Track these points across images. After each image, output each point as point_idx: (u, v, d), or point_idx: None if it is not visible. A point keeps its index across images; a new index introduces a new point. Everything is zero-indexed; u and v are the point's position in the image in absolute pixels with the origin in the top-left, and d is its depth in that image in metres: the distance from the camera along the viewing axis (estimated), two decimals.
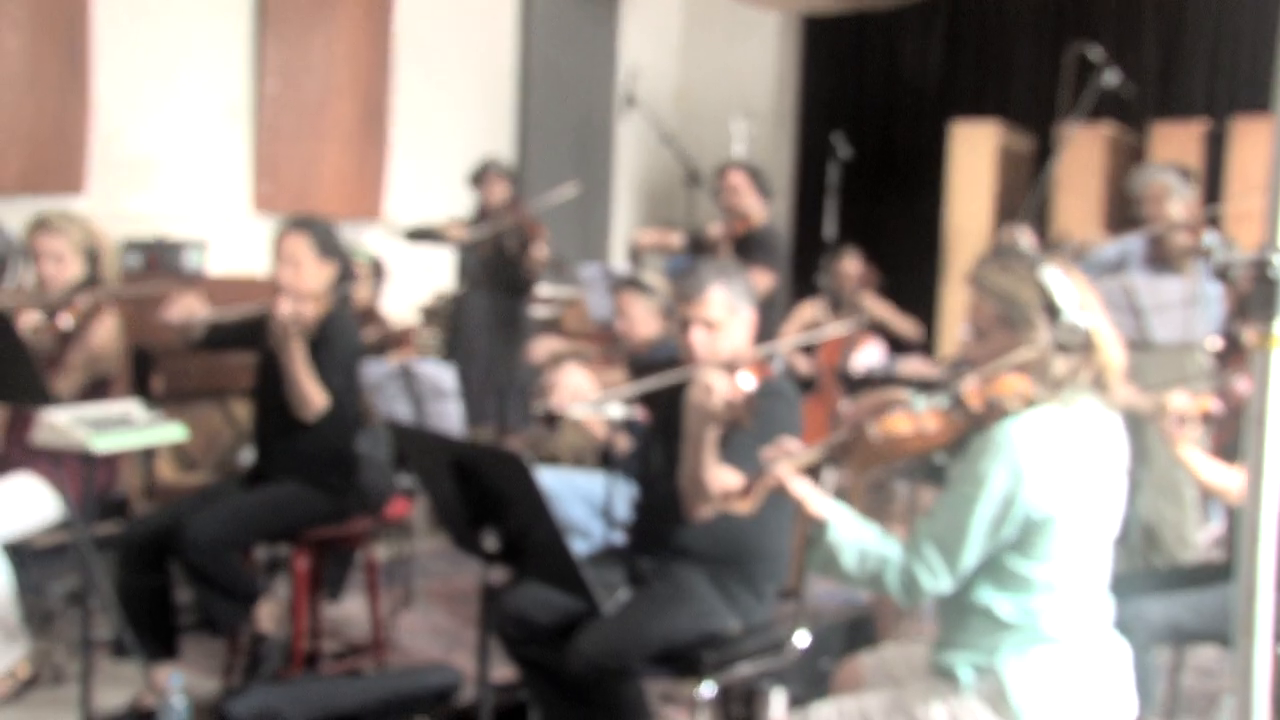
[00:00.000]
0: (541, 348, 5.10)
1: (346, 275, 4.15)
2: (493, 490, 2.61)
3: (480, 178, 6.10)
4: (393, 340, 5.53)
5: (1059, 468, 2.35)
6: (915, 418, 2.36)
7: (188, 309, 3.99)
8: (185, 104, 6.72)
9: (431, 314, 7.33)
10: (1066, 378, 2.39)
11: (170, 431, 3.65)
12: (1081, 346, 2.40)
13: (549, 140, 9.24)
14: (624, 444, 4.53)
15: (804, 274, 7.76)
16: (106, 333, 4.16)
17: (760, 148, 9.93)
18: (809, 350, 6.80)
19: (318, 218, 4.17)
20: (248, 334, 4.22)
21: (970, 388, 2.38)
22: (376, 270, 5.50)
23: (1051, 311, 2.39)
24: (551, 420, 6.26)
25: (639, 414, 3.89)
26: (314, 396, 3.89)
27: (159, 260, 6.03)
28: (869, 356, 6.45)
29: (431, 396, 4.50)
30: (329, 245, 4.04)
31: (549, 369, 5.08)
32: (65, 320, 4.06)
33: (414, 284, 7.16)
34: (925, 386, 3.54)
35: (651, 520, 3.37)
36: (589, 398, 3.28)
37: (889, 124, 10.04)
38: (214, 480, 5.45)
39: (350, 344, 4.07)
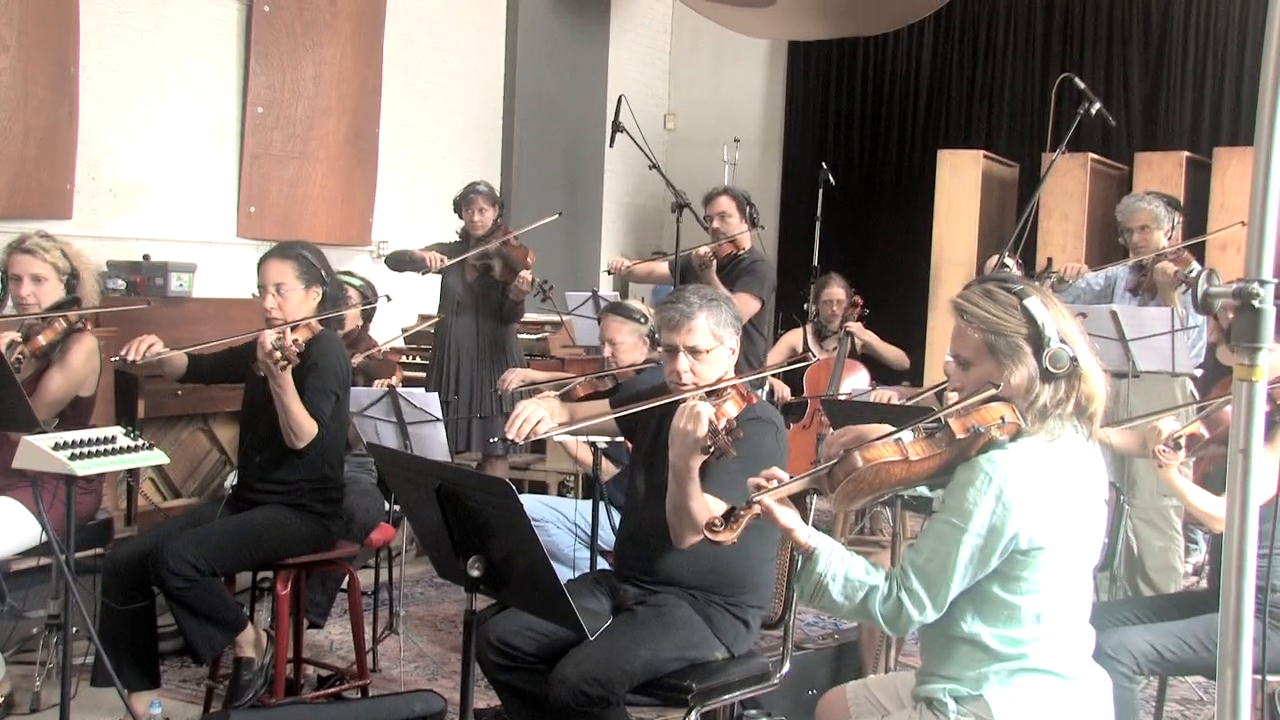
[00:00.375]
0: (514, 377, 5.12)
1: (333, 300, 4.13)
2: (477, 516, 2.60)
3: (465, 202, 6.10)
4: (379, 365, 5.51)
5: (1045, 499, 2.34)
6: (901, 447, 2.36)
7: (144, 348, 3.95)
8: (172, 128, 6.71)
9: (415, 337, 7.32)
10: (1051, 407, 2.39)
11: (152, 456, 3.63)
12: (1066, 376, 2.40)
13: (537, 165, 9.26)
14: (610, 470, 4.52)
15: (790, 300, 7.77)
16: (85, 353, 4.14)
17: (748, 173, 9.96)
18: (795, 378, 6.80)
19: (303, 243, 4.14)
20: (232, 365, 4.19)
21: (955, 417, 2.38)
22: (365, 296, 5.49)
23: (1037, 341, 2.39)
24: (538, 444, 6.25)
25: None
26: (305, 425, 3.86)
27: (145, 283, 6.01)
28: (855, 385, 6.45)
29: (417, 421, 4.49)
30: (314, 271, 4.02)
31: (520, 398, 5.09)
32: (43, 341, 4.04)
33: (399, 308, 7.16)
34: (897, 413, 3.53)
35: (636, 547, 3.37)
36: (544, 429, 3.28)
37: (876, 150, 10.09)
38: (197, 504, 5.42)
39: (338, 370, 4.05)
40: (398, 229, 7.87)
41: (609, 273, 6.32)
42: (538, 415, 3.30)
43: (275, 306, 3.93)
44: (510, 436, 3.28)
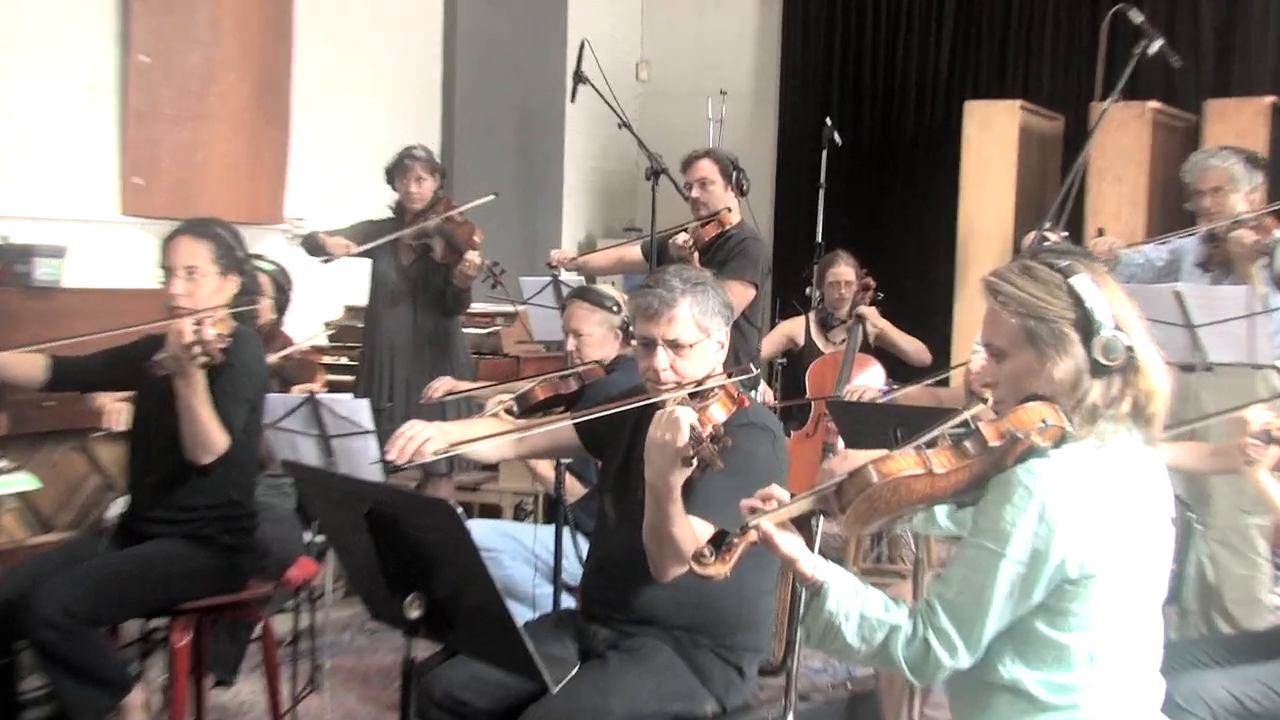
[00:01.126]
0: (440, 385, 5.15)
1: (250, 292, 4.12)
2: (416, 546, 2.61)
3: (399, 170, 6.09)
4: (297, 366, 5.50)
5: (1097, 517, 2.35)
6: (923, 457, 2.36)
7: None
8: (36, 83, 6.67)
9: (341, 333, 7.30)
10: (1103, 407, 2.41)
11: (17, 480, 3.62)
12: (1121, 369, 2.41)
13: (485, 126, 9.24)
14: (576, 490, 4.53)
15: (789, 284, 7.78)
16: None
17: (737, 132, 9.98)
18: (796, 376, 6.81)
19: (219, 222, 4.13)
20: (118, 367, 4.16)
21: (987, 420, 2.39)
22: (279, 284, 5.48)
23: (1086, 326, 2.40)
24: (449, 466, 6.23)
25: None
26: (214, 436, 3.85)
27: (5, 271, 5.97)
28: (868, 383, 6.45)
29: (343, 433, 4.49)
30: (231, 256, 4.02)
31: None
32: None
33: (321, 298, 7.13)
34: (918, 417, 3.54)
35: (607, 580, 3.38)
36: (432, 449, 3.32)
37: (891, 102, 10.11)
38: (74, 539, 5.39)
39: (256, 374, 4.05)
40: (317, 204, 7.83)
41: (550, 266, 6.30)
42: (425, 434, 3.33)
43: (184, 294, 3.92)
44: (391, 457, 3.31)
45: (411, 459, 3.33)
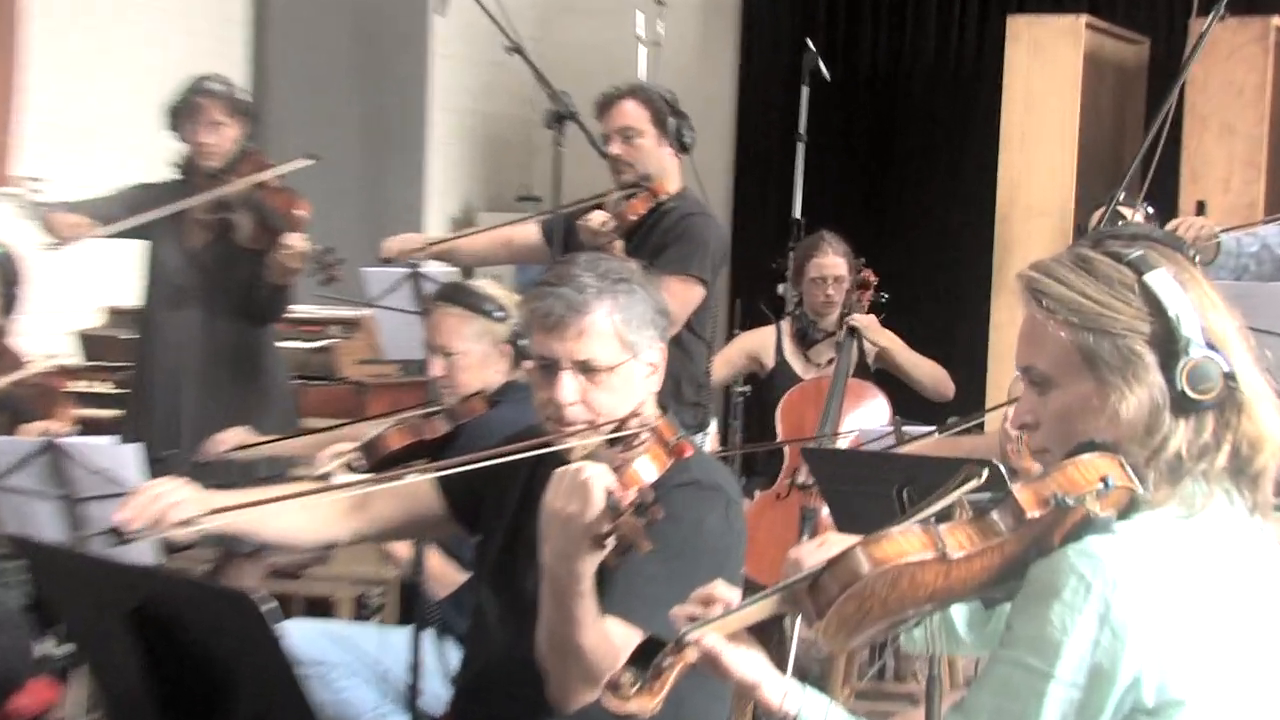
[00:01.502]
0: (228, 438, 5.17)
1: None
2: (204, 659, 2.60)
3: (186, 112, 6.06)
4: (33, 397, 5.47)
5: (1182, 618, 2.36)
6: (933, 535, 2.35)
7: None
8: None
9: (99, 348, 7.25)
10: (1190, 459, 2.42)
11: None
12: (1216, 405, 2.42)
13: (313, 49, 9.21)
14: (447, 577, 4.53)
15: (752, 281, 7.81)
16: None
17: (679, 60, 10.01)
18: (763, 412, 6.84)
19: None
20: None
21: (1025, 479, 2.40)
22: (5, 275, 5.45)
23: (1166, 344, 2.42)
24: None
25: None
26: None
27: None
28: (866, 422, 6.49)
29: (100, 494, 4.47)
30: None
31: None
32: None
33: (70, 295, 7.09)
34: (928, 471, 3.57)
35: (487, 707, 3.39)
36: (181, 517, 3.26)
37: (901, 20, 10.18)
38: None
39: None
40: (64, 160, 7.77)
41: (384, 261, 6.24)
42: (175, 495, 3.27)
43: None
44: (124, 517, 3.23)
45: (150, 531, 3.26)
